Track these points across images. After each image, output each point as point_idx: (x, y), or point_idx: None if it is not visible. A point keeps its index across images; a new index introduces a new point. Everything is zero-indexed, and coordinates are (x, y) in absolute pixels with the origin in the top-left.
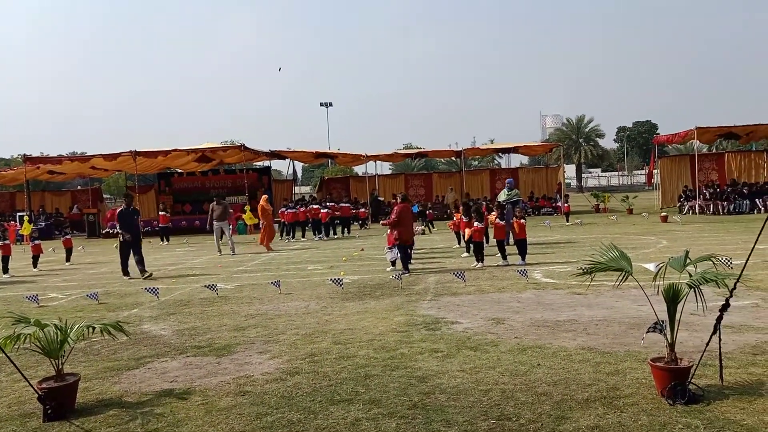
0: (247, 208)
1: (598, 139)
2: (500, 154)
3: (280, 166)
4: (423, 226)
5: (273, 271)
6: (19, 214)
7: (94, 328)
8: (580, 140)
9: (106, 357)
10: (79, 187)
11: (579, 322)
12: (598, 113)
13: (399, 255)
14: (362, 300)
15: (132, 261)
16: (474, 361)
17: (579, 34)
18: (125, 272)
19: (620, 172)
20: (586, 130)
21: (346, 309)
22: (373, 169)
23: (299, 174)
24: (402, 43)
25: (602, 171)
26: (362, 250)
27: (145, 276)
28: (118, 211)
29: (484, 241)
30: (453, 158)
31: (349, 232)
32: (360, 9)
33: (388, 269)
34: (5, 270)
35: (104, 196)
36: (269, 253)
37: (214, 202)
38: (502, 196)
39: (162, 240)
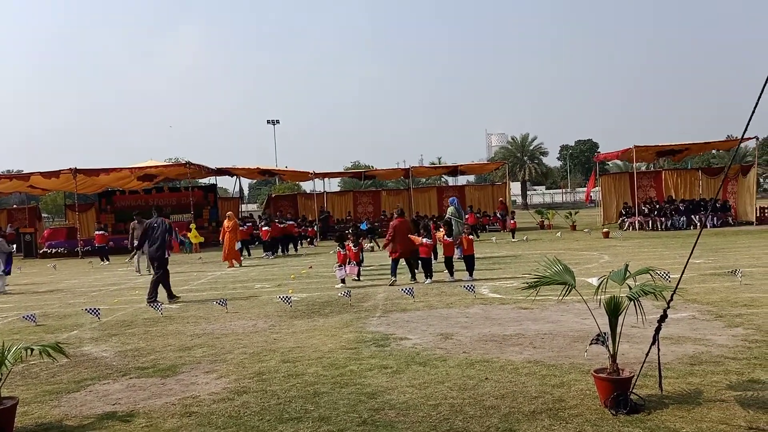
0: (193, 226)
1: (542, 156)
2: (446, 175)
3: (226, 183)
4: (371, 243)
5: (219, 290)
6: None
7: (32, 350)
8: (525, 158)
9: (45, 380)
10: (14, 206)
11: (525, 336)
12: (541, 132)
13: (354, 270)
14: (311, 317)
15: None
16: (423, 376)
17: (524, 53)
18: (169, 295)
19: (563, 190)
20: (531, 148)
21: (295, 327)
22: (321, 186)
23: (246, 191)
24: (350, 61)
25: (546, 188)
26: (311, 267)
27: (150, 300)
28: (145, 224)
29: (433, 257)
30: (402, 177)
31: (296, 250)
32: (307, 29)
33: (337, 286)
34: None
35: (42, 214)
36: (216, 272)
37: (135, 221)
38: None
39: (102, 260)
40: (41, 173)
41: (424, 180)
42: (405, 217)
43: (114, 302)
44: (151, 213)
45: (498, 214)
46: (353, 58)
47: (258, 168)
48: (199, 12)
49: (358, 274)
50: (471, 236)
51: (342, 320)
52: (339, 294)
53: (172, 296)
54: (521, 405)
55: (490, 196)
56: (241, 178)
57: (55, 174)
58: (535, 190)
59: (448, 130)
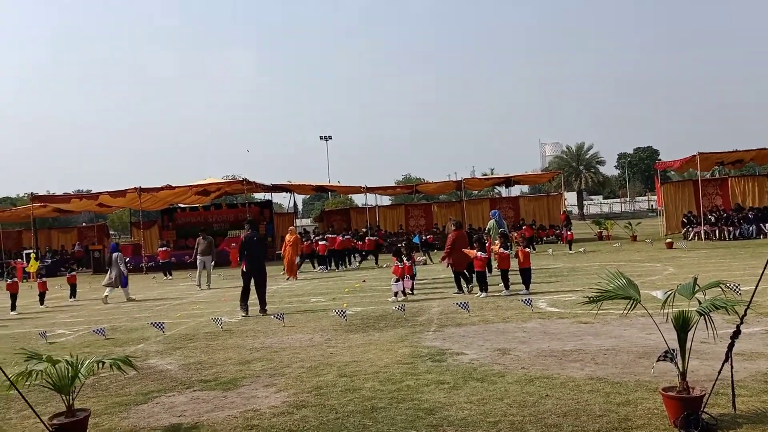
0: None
1: (598, 165)
2: (498, 187)
3: (281, 199)
4: (424, 257)
5: (276, 304)
6: (25, 251)
7: (103, 363)
8: (581, 167)
9: (115, 392)
10: (84, 224)
11: (586, 352)
12: (597, 140)
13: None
14: (366, 332)
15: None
16: (481, 392)
17: (577, 61)
18: (242, 307)
19: (622, 199)
20: (587, 157)
21: (351, 341)
22: (373, 200)
23: (300, 207)
24: (400, 72)
25: (604, 198)
26: (364, 281)
27: (264, 314)
28: (242, 238)
29: (487, 270)
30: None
31: (349, 264)
32: (356, 44)
33: (390, 300)
34: (13, 307)
35: (110, 232)
36: (272, 286)
37: (200, 237)
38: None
39: (165, 275)
40: (109, 192)
41: (476, 192)
42: (462, 229)
43: (177, 316)
44: (244, 226)
45: (562, 226)
46: (403, 72)
47: (312, 184)
48: (251, 35)
49: (412, 288)
50: (528, 249)
51: (397, 334)
52: (393, 308)
53: (244, 308)
54: (585, 424)
55: (545, 207)
56: (295, 193)
57: (122, 193)
58: (591, 199)
59: (500, 140)
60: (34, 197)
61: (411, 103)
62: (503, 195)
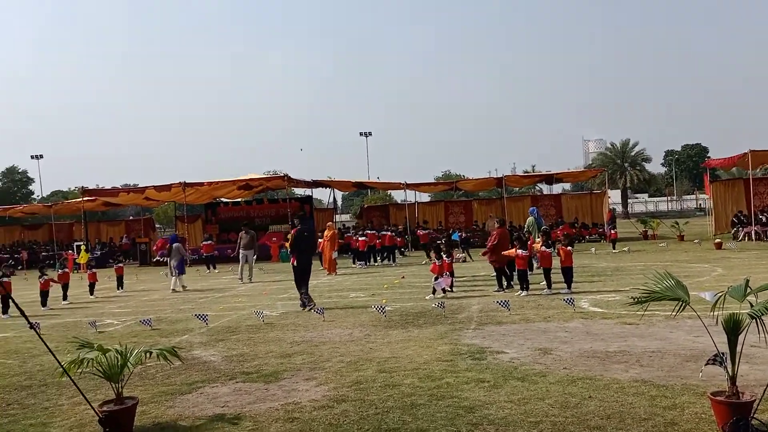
0: (291, 236)
1: (644, 163)
2: (540, 184)
3: (321, 195)
4: (464, 254)
5: (316, 299)
6: (76, 243)
7: (151, 353)
8: (626, 165)
9: (161, 381)
10: (131, 218)
11: (631, 354)
12: (643, 137)
13: (444, 284)
14: (405, 328)
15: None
16: (522, 392)
17: (622, 55)
18: (303, 300)
19: (669, 198)
20: (632, 154)
21: (390, 337)
22: (413, 196)
23: (339, 202)
24: (442, 68)
25: (649, 196)
26: (403, 277)
27: (309, 308)
28: (294, 232)
29: (528, 269)
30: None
31: (391, 260)
32: (396, 37)
33: (427, 297)
34: (65, 297)
35: (156, 225)
36: (312, 281)
37: (243, 231)
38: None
39: (208, 268)
40: (155, 187)
41: (517, 189)
42: (505, 226)
43: (219, 309)
44: (296, 221)
45: (607, 225)
46: (445, 69)
47: (352, 181)
48: (292, 32)
49: (451, 285)
50: (569, 247)
51: (436, 331)
52: (432, 305)
53: (306, 298)
54: (629, 427)
55: (587, 205)
56: (335, 189)
57: (167, 187)
58: (636, 198)
59: (542, 136)
60: (85, 191)
61: (452, 99)
62: (545, 192)
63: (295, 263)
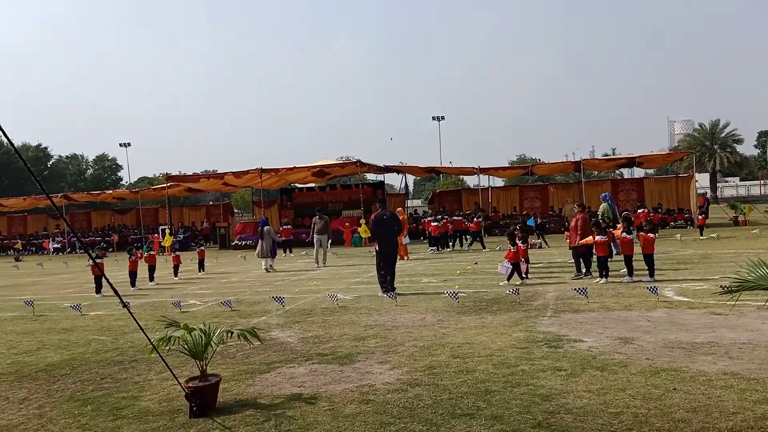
0: (362, 221)
1: (735, 145)
2: (621, 169)
3: (392, 180)
4: (539, 240)
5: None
6: (161, 227)
7: (232, 332)
8: (715, 147)
9: (241, 360)
10: (211, 203)
11: (719, 345)
12: (735, 117)
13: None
14: (479, 314)
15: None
16: (601, 381)
17: (711, 32)
18: (384, 287)
19: (762, 181)
20: (722, 135)
21: (463, 323)
22: (486, 181)
23: (410, 187)
24: (518, 49)
25: (741, 180)
26: (476, 263)
27: (385, 294)
28: (372, 217)
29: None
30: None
31: (461, 246)
32: (473, 20)
33: (501, 283)
34: (151, 278)
35: (234, 210)
36: None
37: (316, 216)
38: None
39: (285, 252)
40: (233, 173)
41: (596, 173)
42: (586, 211)
43: (295, 292)
44: (377, 206)
45: (699, 210)
46: (521, 50)
47: (423, 166)
48: (355, 22)
49: (526, 272)
50: (651, 234)
51: (511, 318)
52: (507, 291)
53: (384, 288)
54: (717, 421)
55: (672, 190)
56: (407, 174)
57: (244, 173)
58: (726, 181)
59: (623, 118)
60: (169, 177)
61: (526, 81)
62: (626, 176)
63: (377, 248)
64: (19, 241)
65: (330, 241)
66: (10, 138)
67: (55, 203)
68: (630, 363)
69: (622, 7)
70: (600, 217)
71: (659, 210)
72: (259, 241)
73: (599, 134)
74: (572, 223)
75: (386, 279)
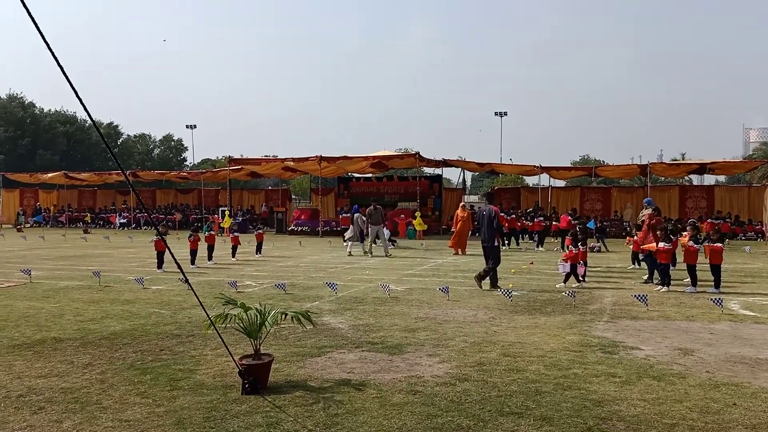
0: (418, 214)
1: None
2: (690, 175)
3: (450, 174)
4: (599, 243)
5: (441, 277)
6: (221, 208)
7: (286, 314)
8: None
9: (293, 343)
10: (270, 188)
11: None
12: None
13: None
14: (532, 314)
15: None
16: (657, 391)
17: None
18: (491, 283)
19: None
20: None
21: (515, 322)
22: (546, 180)
23: (468, 183)
24: (584, 47)
25: None
26: (531, 263)
27: (496, 290)
28: (478, 211)
29: (671, 263)
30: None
31: (518, 245)
32: (538, 11)
33: (557, 286)
34: (210, 257)
35: (292, 196)
36: (438, 260)
37: (371, 207)
38: (641, 216)
39: (344, 241)
40: (293, 159)
41: (663, 178)
42: (661, 215)
43: (348, 279)
44: (482, 201)
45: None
46: (588, 46)
47: (481, 162)
48: (424, 11)
49: (584, 275)
50: (720, 244)
51: (565, 321)
52: (562, 293)
53: (495, 285)
54: None
55: (744, 199)
56: (465, 170)
57: (304, 160)
58: None
59: (694, 122)
60: (231, 160)
61: (594, 79)
62: (694, 183)
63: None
64: (89, 215)
65: (389, 232)
66: (90, 113)
67: (128, 179)
68: (689, 375)
69: (698, 4)
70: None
71: (728, 219)
72: (350, 226)
73: (668, 138)
74: (644, 226)
75: (485, 273)
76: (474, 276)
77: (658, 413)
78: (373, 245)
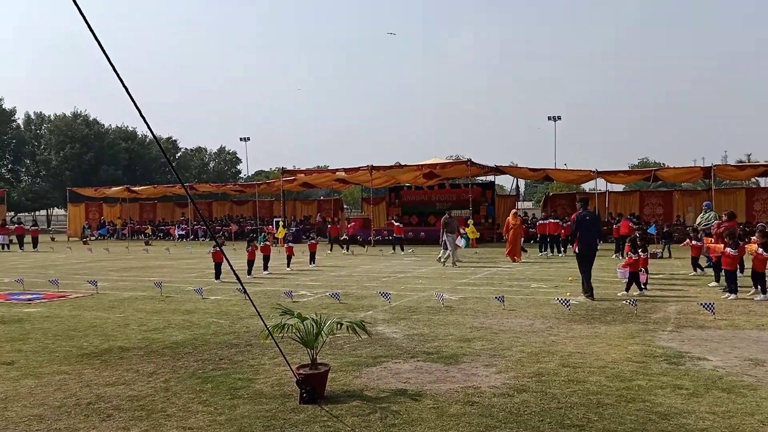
0: (470, 221)
1: None
2: (757, 178)
3: (503, 181)
4: (660, 250)
5: (496, 286)
6: (275, 219)
7: (342, 324)
8: None
9: (348, 352)
10: (322, 198)
11: None
12: None
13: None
14: (591, 323)
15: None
16: (726, 404)
17: None
18: (584, 290)
19: None
20: None
21: (574, 331)
22: (603, 185)
23: (522, 189)
24: (641, 47)
25: None
26: None
27: (587, 296)
28: (574, 216)
29: (738, 270)
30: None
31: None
32: (593, 10)
33: (619, 294)
34: (265, 267)
35: (344, 206)
36: (492, 268)
37: (446, 215)
38: (699, 220)
39: (394, 249)
40: (344, 169)
41: (728, 181)
42: (735, 220)
43: (401, 289)
44: (578, 205)
45: None
46: (647, 45)
47: (533, 168)
48: (476, 16)
49: (645, 283)
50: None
51: (627, 330)
52: (623, 301)
53: (586, 291)
54: None
55: None
56: (517, 177)
57: (355, 170)
58: None
59: (761, 121)
60: (284, 171)
61: (651, 79)
62: (761, 185)
63: (576, 249)
64: (149, 227)
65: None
66: (152, 129)
67: (188, 192)
68: (761, 386)
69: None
70: (700, 226)
71: None
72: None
73: (732, 138)
74: (714, 231)
75: (583, 284)
76: (583, 293)
77: (728, 427)
78: (453, 253)
